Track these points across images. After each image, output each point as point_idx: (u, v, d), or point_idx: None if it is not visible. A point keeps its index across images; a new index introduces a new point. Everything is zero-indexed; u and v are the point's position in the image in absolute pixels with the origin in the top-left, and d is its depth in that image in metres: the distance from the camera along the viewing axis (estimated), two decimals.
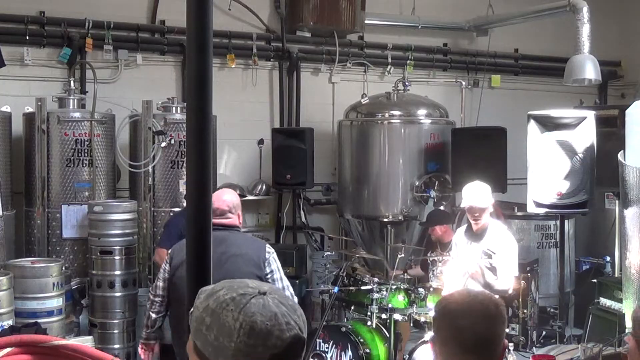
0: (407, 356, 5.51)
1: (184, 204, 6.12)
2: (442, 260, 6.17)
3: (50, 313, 5.60)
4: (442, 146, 7.56)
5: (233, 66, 7.77)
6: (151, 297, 4.53)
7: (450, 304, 2.19)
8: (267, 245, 4.42)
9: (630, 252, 4.94)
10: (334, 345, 5.69)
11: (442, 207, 7.39)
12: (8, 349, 2.94)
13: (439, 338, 2.18)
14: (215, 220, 4.37)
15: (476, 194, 5.36)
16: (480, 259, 5.27)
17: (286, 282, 4.34)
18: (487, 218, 5.41)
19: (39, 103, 6.34)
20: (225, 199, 4.42)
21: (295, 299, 4.40)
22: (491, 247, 5.29)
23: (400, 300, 5.82)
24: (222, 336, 1.44)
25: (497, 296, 4.71)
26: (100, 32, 7.15)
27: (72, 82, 6.69)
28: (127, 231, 6.22)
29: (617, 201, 6.32)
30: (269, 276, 4.27)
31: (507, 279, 5.25)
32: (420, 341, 5.49)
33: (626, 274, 5.04)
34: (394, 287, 5.81)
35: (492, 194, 5.50)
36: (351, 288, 6.01)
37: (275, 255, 4.37)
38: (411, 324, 5.75)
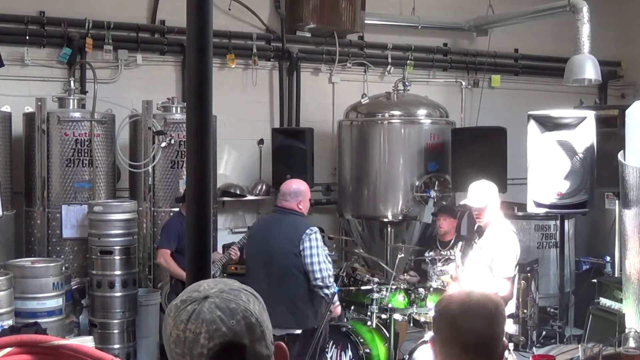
0: (407, 356, 5.51)
1: (181, 206, 6.16)
2: (441, 259, 6.18)
3: (50, 313, 5.60)
4: (442, 146, 7.56)
5: (233, 66, 7.77)
6: None
7: (450, 305, 2.19)
8: (312, 228, 5.14)
9: (630, 252, 4.94)
10: (334, 345, 5.69)
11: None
12: (8, 349, 2.94)
13: (438, 338, 2.19)
14: (277, 202, 5.23)
15: (475, 193, 5.37)
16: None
17: (317, 259, 5.00)
18: (490, 217, 5.40)
19: (39, 103, 6.35)
20: (290, 185, 5.28)
21: (327, 274, 5.05)
22: (487, 246, 5.29)
23: (400, 300, 5.82)
24: (164, 342, 1.45)
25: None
26: (100, 32, 7.15)
27: (72, 82, 6.69)
28: (127, 231, 6.22)
29: (617, 201, 6.31)
30: (301, 253, 5.02)
31: (498, 281, 5.23)
32: (420, 341, 5.49)
33: (626, 274, 5.03)
34: (394, 287, 5.81)
35: (497, 193, 5.50)
36: (351, 288, 6.02)
37: (314, 236, 5.06)
38: (411, 324, 5.75)
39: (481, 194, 5.35)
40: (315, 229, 5.19)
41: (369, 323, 5.72)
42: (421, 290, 5.76)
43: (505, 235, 5.37)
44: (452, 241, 6.72)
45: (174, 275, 5.95)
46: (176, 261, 5.89)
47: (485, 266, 5.29)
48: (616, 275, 6.37)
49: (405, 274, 6.32)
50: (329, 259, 5.21)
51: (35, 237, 6.40)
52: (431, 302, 5.55)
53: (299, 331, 5.10)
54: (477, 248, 5.38)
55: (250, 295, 1.46)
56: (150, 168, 6.67)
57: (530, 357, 4.56)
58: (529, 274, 6.03)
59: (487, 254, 5.29)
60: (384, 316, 5.68)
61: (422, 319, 5.57)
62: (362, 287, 5.91)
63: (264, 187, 7.84)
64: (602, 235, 7.71)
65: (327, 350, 5.62)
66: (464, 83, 8.57)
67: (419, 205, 7.40)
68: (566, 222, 6.73)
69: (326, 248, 5.31)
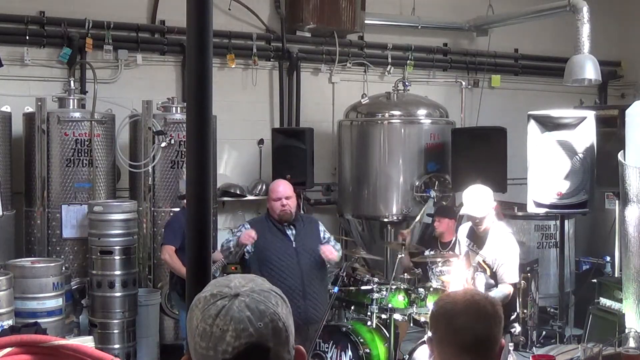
0: (407, 356, 5.51)
1: (184, 204, 6.14)
2: (441, 260, 6.17)
3: (50, 313, 5.60)
4: (442, 146, 7.56)
5: (233, 66, 7.77)
6: None
7: (447, 304, 2.19)
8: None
9: (630, 252, 4.94)
10: (334, 345, 5.69)
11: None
12: (8, 349, 2.94)
13: (435, 337, 2.18)
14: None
15: (474, 202, 5.29)
16: (476, 270, 5.27)
17: None
18: (489, 222, 5.37)
19: (39, 103, 6.35)
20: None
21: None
22: (490, 254, 5.27)
23: (400, 300, 5.82)
24: (189, 333, 1.46)
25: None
26: (100, 32, 7.15)
27: (72, 82, 6.69)
28: (127, 231, 6.23)
29: (617, 201, 6.31)
30: None
31: (504, 287, 5.23)
32: (420, 341, 5.49)
33: (626, 274, 5.04)
34: (394, 287, 5.81)
35: (493, 197, 5.47)
36: (351, 288, 6.01)
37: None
38: (411, 324, 5.75)
39: (481, 202, 5.29)
40: (247, 222, 5.70)
41: (369, 323, 5.72)
42: (421, 290, 5.76)
43: (508, 241, 5.35)
44: (453, 242, 6.71)
45: (177, 272, 5.81)
46: (180, 259, 5.81)
47: (489, 273, 5.28)
48: (616, 275, 6.37)
49: (406, 274, 6.31)
50: (229, 240, 5.46)
51: (35, 237, 6.40)
52: (431, 302, 5.54)
53: None
54: (479, 257, 5.34)
55: (279, 298, 1.47)
56: (150, 168, 6.67)
57: (530, 357, 4.57)
58: (529, 274, 6.04)
59: (492, 261, 5.27)
60: (384, 316, 5.67)
61: (422, 319, 5.56)
62: (362, 287, 5.90)
63: (263, 187, 7.83)
64: (602, 235, 7.71)
65: (327, 351, 5.62)
66: (464, 83, 8.57)
67: (419, 205, 7.39)
68: (566, 222, 6.73)
69: (232, 235, 5.57)
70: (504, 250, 5.27)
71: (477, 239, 5.45)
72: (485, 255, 5.32)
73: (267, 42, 8.09)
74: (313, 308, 5.32)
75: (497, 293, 5.11)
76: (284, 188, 5.49)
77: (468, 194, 5.38)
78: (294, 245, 5.36)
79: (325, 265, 5.52)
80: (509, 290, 5.22)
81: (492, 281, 5.30)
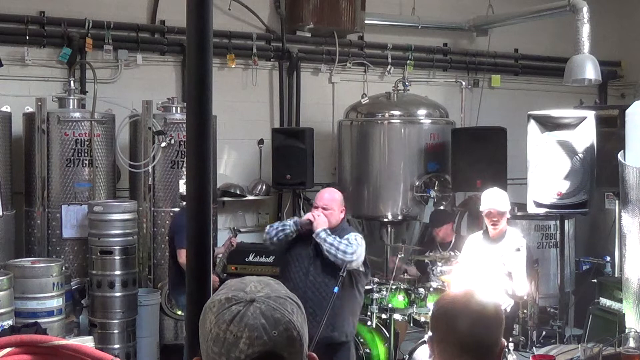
0: (407, 356, 5.51)
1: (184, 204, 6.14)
2: (441, 260, 6.18)
3: (50, 313, 5.60)
4: (442, 146, 7.56)
5: (233, 66, 7.77)
6: None
7: (448, 304, 2.19)
8: None
9: (630, 252, 4.94)
10: None
11: (441, 207, 7.40)
12: (8, 349, 2.94)
13: (435, 337, 2.18)
14: None
15: (495, 198, 5.43)
16: (508, 256, 5.30)
17: None
18: (505, 223, 5.46)
19: (39, 103, 6.35)
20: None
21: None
22: (507, 253, 5.33)
23: (400, 300, 5.82)
24: (201, 336, 1.44)
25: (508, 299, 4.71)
26: (100, 32, 7.14)
27: (72, 82, 6.69)
28: (127, 231, 6.23)
29: (617, 201, 6.31)
30: None
31: (523, 284, 5.31)
32: (420, 341, 5.49)
33: (626, 274, 5.04)
34: (394, 287, 5.81)
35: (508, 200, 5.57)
36: None
37: None
38: (411, 324, 5.75)
39: (503, 199, 5.43)
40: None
41: (369, 323, 5.72)
42: (421, 290, 5.76)
43: (523, 241, 5.45)
44: (452, 242, 6.72)
45: None
46: None
47: (505, 272, 5.32)
48: (616, 275, 6.37)
49: (405, 274, 6.32)
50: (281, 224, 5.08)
51: (35, 237, 6.40)
52: (431, 302, 5.55)
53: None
54: (498, 257, 5.37)
55: (294, 305, 1.45)
56: (150, 168, 6.67)
57: (530, 357, 4.56)
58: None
59: (510, 262, 5.31)
60: (384, 316, 5.68)
61: (422, 319, 5.57)
62: None
63: (263, 187, 7.84)
64: (602, 235, 7.71)
65: None
66: (464, 83, 8.57)
67: (419, 205, 7.40)
68: (566, 222, 6.73)
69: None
70: (517, 259, 5.34)
71: (492, 241, 5.48)
72: (503, 255, 5.37)
73: (267, 42, 8.09)
74: (315, 323, 4.40)
75: (519, 289, 5.20)
76: (326, 197, 4.95)
77: (489, 192, 5.53)
78: (310, 253, 4.84)
79: (352, 283, 4.90)
80: (527, 286, 5.34)
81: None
